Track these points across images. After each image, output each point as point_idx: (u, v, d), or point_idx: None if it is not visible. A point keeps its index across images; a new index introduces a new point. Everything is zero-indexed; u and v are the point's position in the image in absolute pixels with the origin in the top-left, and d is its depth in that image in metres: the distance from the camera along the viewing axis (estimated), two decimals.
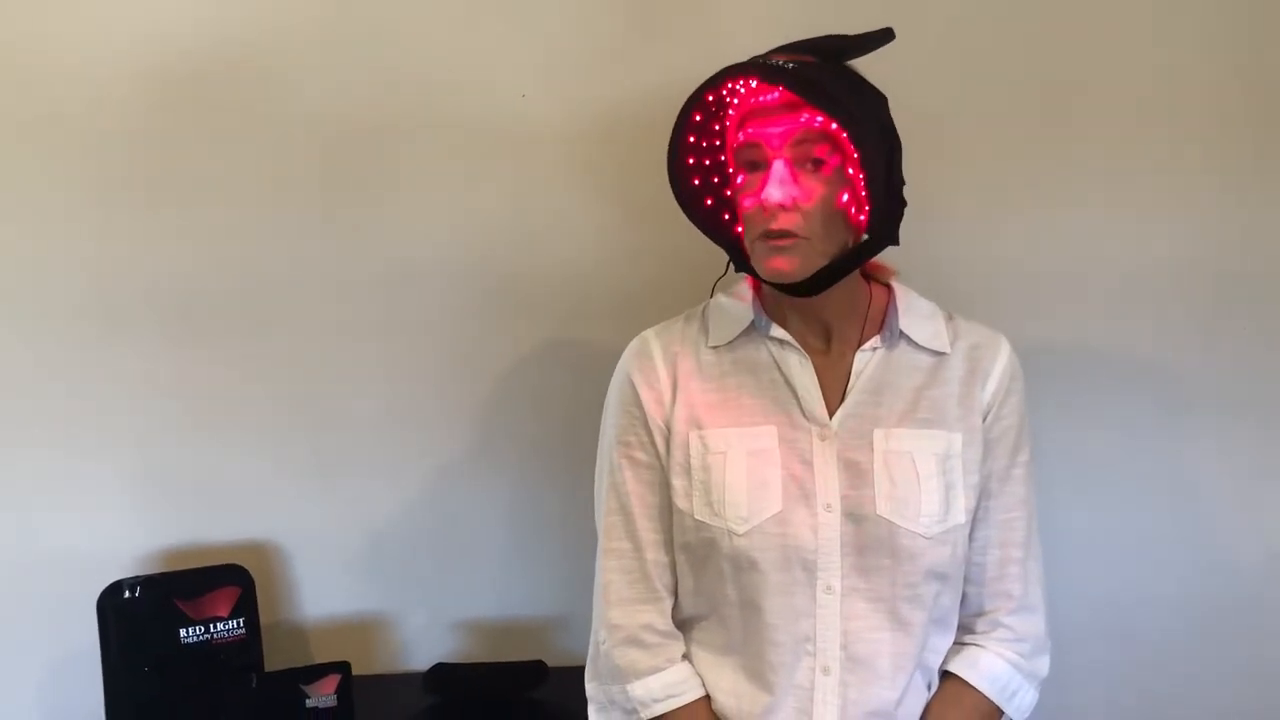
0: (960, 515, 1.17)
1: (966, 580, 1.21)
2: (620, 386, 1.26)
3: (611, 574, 1.24)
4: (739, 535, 1.15)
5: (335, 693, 1.53)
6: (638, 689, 1.20)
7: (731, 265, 1.23)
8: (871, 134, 1.09)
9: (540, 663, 1.60)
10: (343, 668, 1.53)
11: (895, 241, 1.17)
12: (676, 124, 1.15)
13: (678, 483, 1.20)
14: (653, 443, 1.23)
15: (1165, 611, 1.73)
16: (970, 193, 1.64)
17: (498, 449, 1.68)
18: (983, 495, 1.20)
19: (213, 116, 1.59)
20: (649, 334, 1.27)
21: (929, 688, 1.22)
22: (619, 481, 1.25)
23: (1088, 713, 1.76)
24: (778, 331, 1.21)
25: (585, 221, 1.63)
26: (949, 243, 1.64)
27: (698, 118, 1.14)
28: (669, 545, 1.23)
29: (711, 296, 1.29)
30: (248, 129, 1.59)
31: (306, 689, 1.52)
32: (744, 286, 1.26)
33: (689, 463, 1.20)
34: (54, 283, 1.60)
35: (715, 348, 1.23)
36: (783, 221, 1.09)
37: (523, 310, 1.65)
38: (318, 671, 1.53)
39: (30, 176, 1.58)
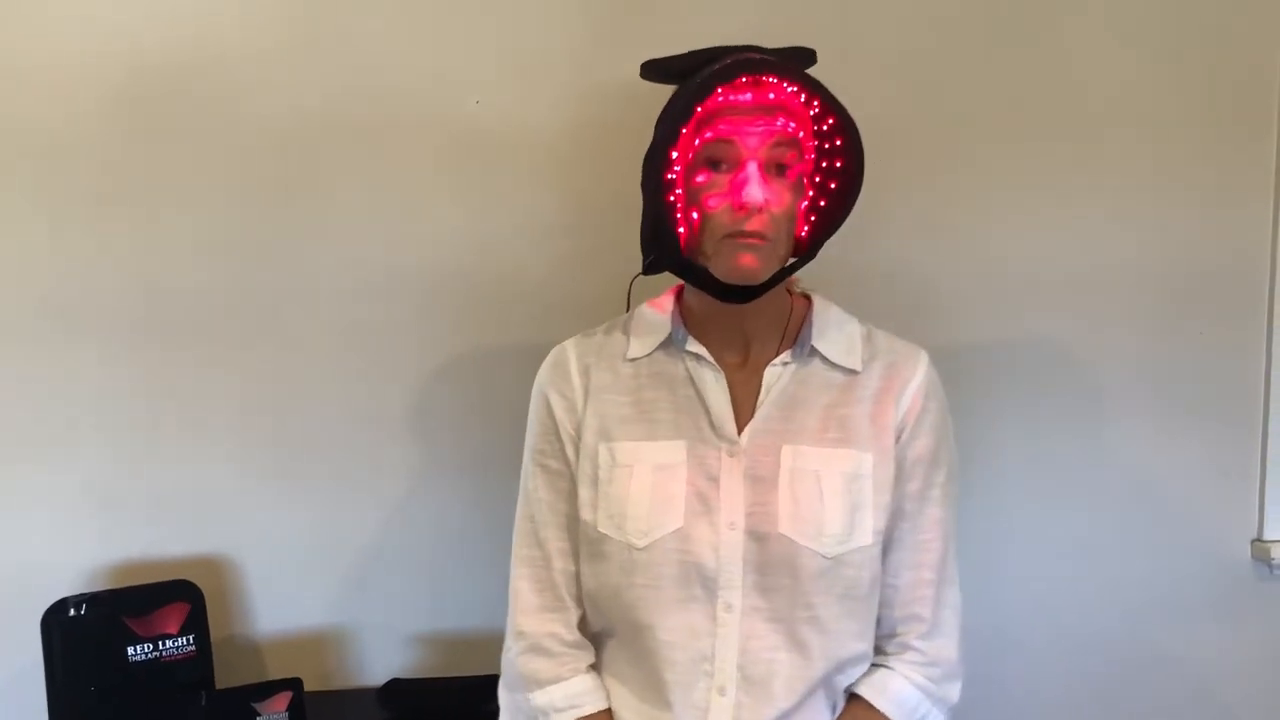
0: (867, 536, 1.14)
1: (880, 602, 1.18)
2: (536, 395, 1.26)
3: (520, 581, 1.23)
4: (639, 549, 1.14)
5: (287, 710, 1.51)
6: (539, 698, 1.19)
7: (652, 265, 1.20)
8: (858, 135, 1.11)
9: (496, 677, 1.58)
10: (294, 684, 1.52)
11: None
12: (676, 115, 1.10)
13: (584, 493, 1.19)
14: (563, 452, 1.22)
15: (1131, 613, 1.76)
16: (927, 197, 1.65)
17: (455, 459, 1.67)
18: (898, 517, 1.18)
19: (174, 123, 1.56)
20: (568, 344, 1.27)
21: (834, 709, 1.18)
22: (531, 489, 1.25)
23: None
24: (694, 346, 1.20)
25: (544, 227, 1.62)
26: (905, 247, 1.65)
27: (699, 109, 1.10)
28: (577, 555, 1.22)
29: (629, 294, 1.27)
30: (208, 136, 1.57)
31: (258, 707, 1.50)
32: (666, 297, 1.26)
33: (596, 474, 1.19)
34: (5, 289, 1.57)
35: (634, 360, 1.22)
36: (757, 223, 1.08)
37: (481, 318, 1.64)
38: (269, 689, 1.51)
39: None
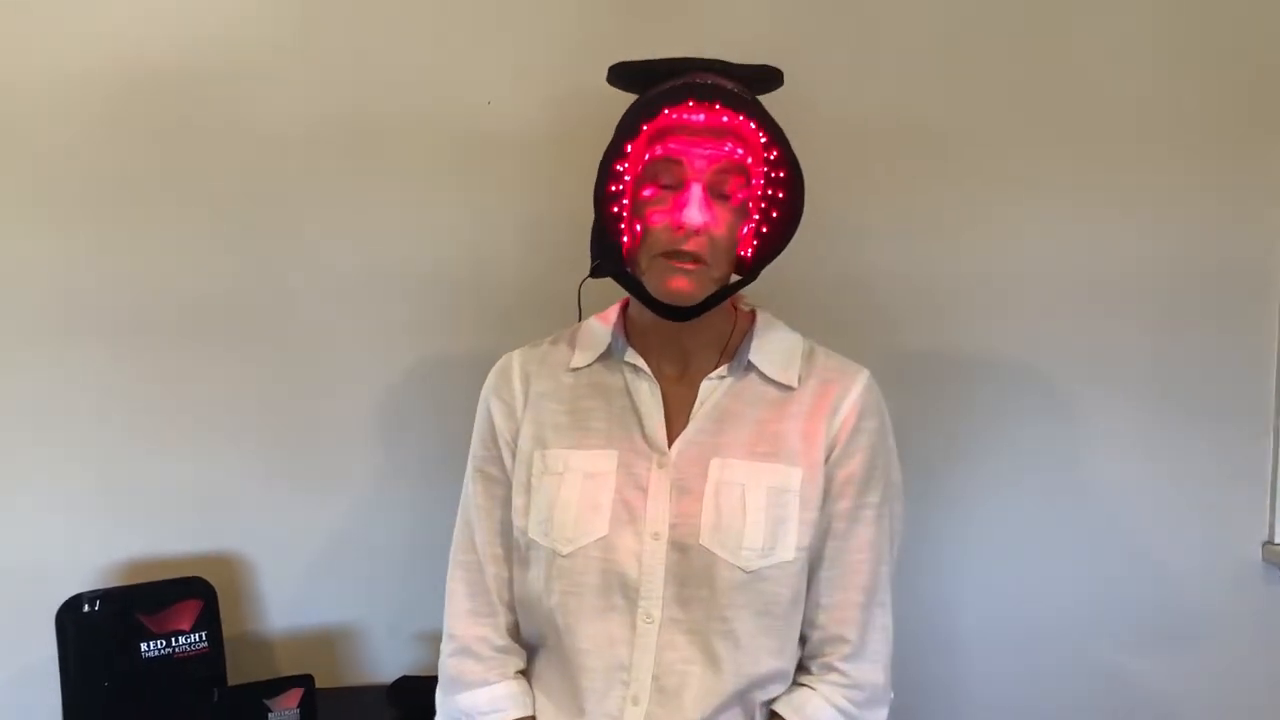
0: (789, 552, 1.13)
1: (805, 621, 1.17)
2: (481, 402, 1.28)
3: (455, 584, 1.25)
4: (563, 556, 1.15)
5: (298, 706, 1.52)
6: (464, 700, 1.20)
7: (597, 270, 1.21)
8: (800, 171, 1.13)
9: None
10: (305, 681, 1.53)
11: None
12: (623, 131, 1.13)
13: (517, 500, 1.21)
14: (501, 458, 1.24)
15: (1141, 617, 1.76)
16: (936, 199, 1.65)
17: (463, 458, 1.67)
18: (827, 536, 1.17)
19: (178, 125, 1.58)
20: (515, 353, 1.29)
21: None
22: (469, 495, 1.27)
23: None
24: (632, 357, 1.21)
25: (550, 229, 1.63)
26: (914, 249, 1.65)
27: (645, 127, 1.12)
28: (511, 561, 1.23)
29: (579, 301, 1.28)
30: (212, 137, 1.58)
31: (269, 703, 1.52)
32: (612, 310, 1.27)
33: (529, 481, 1.20)
34: (14, 290, 1.58)
35: (576, 369, 1.24)
36: (694, 244, 1.10)
37: (487, 318, 1.65)
38: (280, 685, 1.53)
39: None
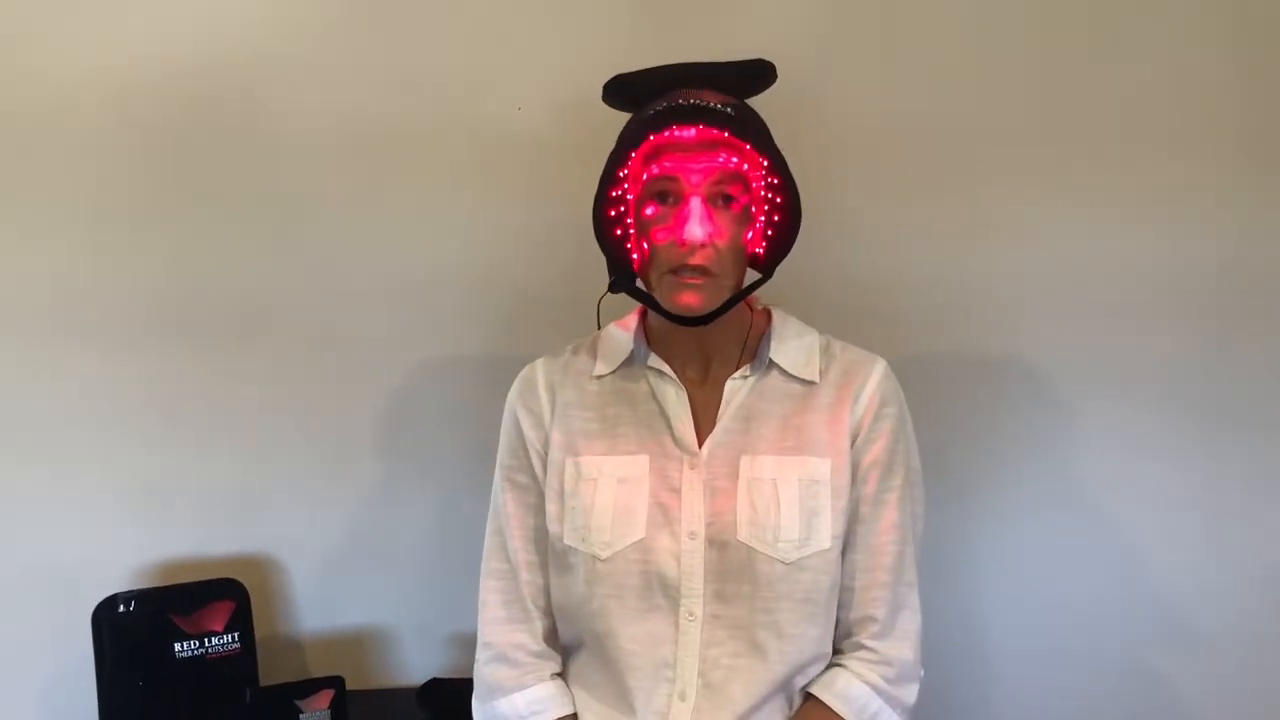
0: (825, 540, 1.16)
1: (838, 605, 1.20)
2: (506, 412, 1.30)
3: (489, 594, 1.27)
4: (602, 560, 1.17)
5: (329, 708, 1.53)
6: (503, 705, 1.22)
7: (613, 286, 1.22)
8: (791, 177, 1.14)
9: None
10: (336, 682, 1.54)
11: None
12: (613, 158, 1.15)
13: (551, 507, 1.23)
14: (531, 467, 1.26)
15: (1174, 628, 1.72)
16: (955, 204, 1.63)
17: (494, 460, 1.67)
18: (854, 520, 1.20)
19: (204, 127, 1.59)
20: (538, 362, 1.30)
21: (791, 707, 1.20)
22: (500, 504, 1.28)
23: None
24: (655, 362, 1.23)
25: (566, 234, 1.62)
26: (930, 253, 1.63)
27: (633, 154, 1.15)
28: (544, 567, 1.25)
29: (598, 314, 1.29)
30: (239, 140, 1.60)
31: (300, 704, 1.53)
32: (631, 317, 1.28)
33: (562, 488, 1.22)
34: (47, 292, 1.61)
35: (599, 377, 1.25)
36: (700, 258, 1.11)
37: (516, 321, 1.65)
38: (311, 686, 1.54)
39: (24, 186, 1.59)
